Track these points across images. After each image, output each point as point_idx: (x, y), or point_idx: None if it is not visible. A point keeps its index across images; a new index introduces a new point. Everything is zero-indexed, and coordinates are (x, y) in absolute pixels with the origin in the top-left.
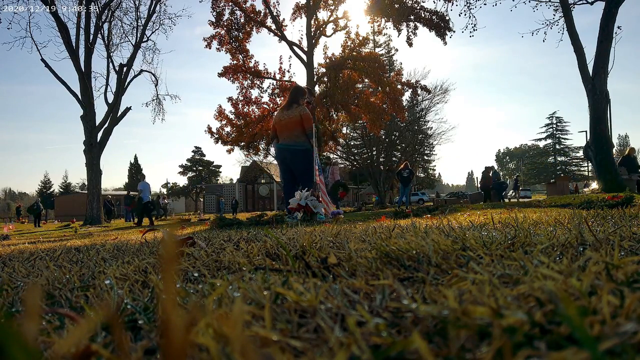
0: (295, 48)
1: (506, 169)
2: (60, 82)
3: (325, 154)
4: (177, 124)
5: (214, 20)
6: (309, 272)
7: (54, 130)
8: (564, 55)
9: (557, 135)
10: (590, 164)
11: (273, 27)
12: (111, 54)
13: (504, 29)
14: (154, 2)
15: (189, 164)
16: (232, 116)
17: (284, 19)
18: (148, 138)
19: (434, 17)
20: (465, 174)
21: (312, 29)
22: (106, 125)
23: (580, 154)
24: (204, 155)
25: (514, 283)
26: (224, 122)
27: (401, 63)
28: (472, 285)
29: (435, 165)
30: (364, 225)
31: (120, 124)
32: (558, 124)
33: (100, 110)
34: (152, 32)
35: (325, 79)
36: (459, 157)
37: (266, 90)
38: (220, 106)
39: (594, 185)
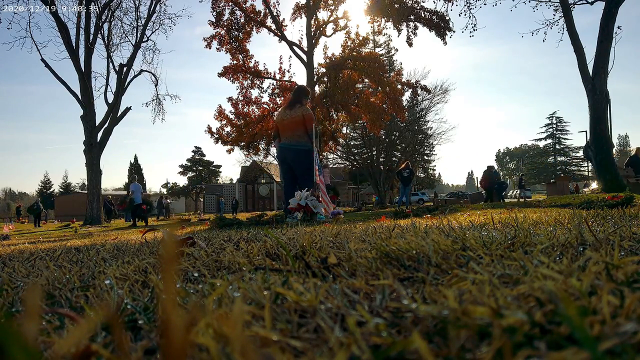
0: (295, 48)
1: (506, 169)
2: (60, 82)
3: (324, 153)
4: (177, 124)
5: (214, 20)
6: (309, 272)
7: (54, 130)
8: (564, 55)
9: (557, 135)
10: (590, 164)
11: (273, 27)
12: (111, 54)
13: (504, 29)
14: (154, 2)
15: (189, 164)
16: (232, 116)
17: (284, 19)
18: (148, 138)
19: (434, 17)
20: (465, 174)
21: (312, 29)
22: (106, 125)
23: (580, 154)
24: (204, 155)
25: (514, 283)
26: (224, 122)
27: (401, 63)
28: (472, 285)
29: (435, 165)
30: (364, 225)
31: (120, 124)
32: (558, 124)
33: (100, 110)
34: (152, 32)
35: (325, 79)
36: (459, 157)
37: (266, 90)
38: (220, 106)
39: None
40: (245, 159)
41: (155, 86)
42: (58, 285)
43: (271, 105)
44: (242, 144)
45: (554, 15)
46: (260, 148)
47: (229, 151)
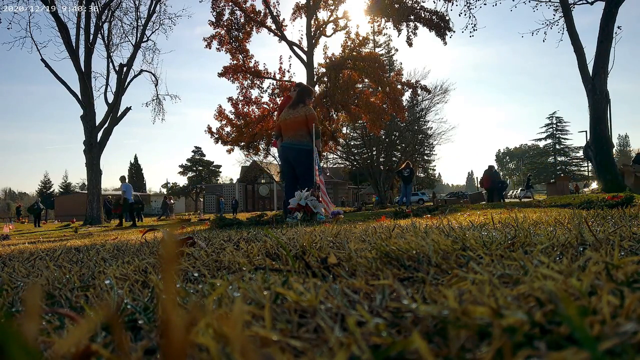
0: (295, 48)
1: (506, 169)
2: (60, 82)
3: (324, 154)
4: (177, 124)
5: (214, 20)
6: (309, 272)
7: (54, 130)
8: (564, 55)
9: (557, 135)
10: (590, 164)
11: (273, 27)
12: (111, 54)
13: (504, 29)
14: (154, 2)
15: (189, 164)
16: (232, 116)
17: (284, 19)
18: (148, 138)
19: (434, 17)
20: (465, 174)
21: (312, 29)
22: (106, 125)
23: (580, 154)
24: (204, 155)
25: (514, 283)
26: (224, 122)
27: (401, 63)
28: (472, 285)
29: (435, 165)
30: (364, 225)
31: (120, 124)
32: (558, 124)
33: (100, 110)
34: (152, 32)
35: (325, 79)
36: (459, 157)
37: (266, 90)
38: (220, 106)
39: (594, 185)
40: (245, 159)
41: (155, 86)
42: (58, 285)
43: (271, 105)
44: (242, 144)
45: (554, 15)
46: (260, 148)
47: (229, 151)
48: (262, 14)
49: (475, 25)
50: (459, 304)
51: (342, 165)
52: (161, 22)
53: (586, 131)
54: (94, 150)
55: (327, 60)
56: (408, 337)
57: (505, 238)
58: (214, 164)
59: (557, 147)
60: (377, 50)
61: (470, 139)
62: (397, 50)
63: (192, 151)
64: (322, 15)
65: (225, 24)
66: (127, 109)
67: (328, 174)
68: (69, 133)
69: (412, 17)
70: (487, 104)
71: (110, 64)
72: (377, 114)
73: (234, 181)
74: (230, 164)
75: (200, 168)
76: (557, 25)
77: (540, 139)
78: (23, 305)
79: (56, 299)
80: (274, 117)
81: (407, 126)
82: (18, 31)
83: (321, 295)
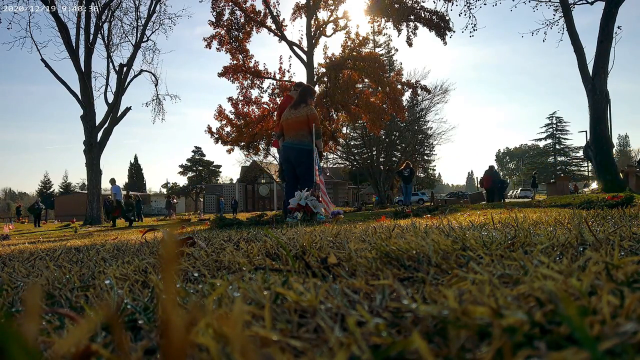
0: (295, 48)
1: (506, 169)
2: (60, 82)
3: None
4: (177, 124)
5: (214, 20)
6: (309, 272)
7: (54, 130)
8: (564, 55)
9: (557, 135)
10: (590, 164)
11: (273, 27)
12: (111, 54)
13: (504, 29)
14: (154, 2)
15: (189, 164)
16: (232, 116)
17: (284, 19)
18: (148, 138)
19: (434, 17)
20: (465, 174)
21: (312, 29)
22: (106, 125)
23: (580, 154)
24: (204, 155)
25: (514, 283)
26: (224, 122)
27: (401, 63)
28: (472, 285)
29: (435, 165)
30: (364, 225)
31: (120, 124)
32: (558, 124)
33: (100, 110)
34: (152, 32)
35: (325, 79)
36: (459, 157)
37: (266, 90)
38: (220, 106)
39: (594, 185)
40: (245, 159)
41: (155, 86)
42: (58, 285)
43: (271, 105)
44: (242, 144)
45: (554, 15)
46: (260, 148)
47: (229, 151)
48: (262, 14)
49: (475, 25)
50: (459, 304)
51: (342, 165)
52: (161, 22)
53: (586, 131)
54: (94, 150)
55: (327, 60)
56: (408, 337)
57: (505, 238)
58: (214, 164)
59: (557, 147)
60: (377, 50)
61: (470, 139)
62: (397, 50)
63: (192, 151)
64: (322, 15)
65: (225, 24)
66: (127, 109)
67: (328, 174)
68: (69, 133)
69: (412, 17)
70: (487, 104)
71: (110, 64)
72: (377, 114)
73: (234, 181)
74: (230, 164)
75: (200, 168)
76: (557, 25)
77: (540, 139)
78: (23, 305)
79: (56, 299)
80: (274, 117)
81: (407, 126)
82: (18, 31)
83: (321, 295)
